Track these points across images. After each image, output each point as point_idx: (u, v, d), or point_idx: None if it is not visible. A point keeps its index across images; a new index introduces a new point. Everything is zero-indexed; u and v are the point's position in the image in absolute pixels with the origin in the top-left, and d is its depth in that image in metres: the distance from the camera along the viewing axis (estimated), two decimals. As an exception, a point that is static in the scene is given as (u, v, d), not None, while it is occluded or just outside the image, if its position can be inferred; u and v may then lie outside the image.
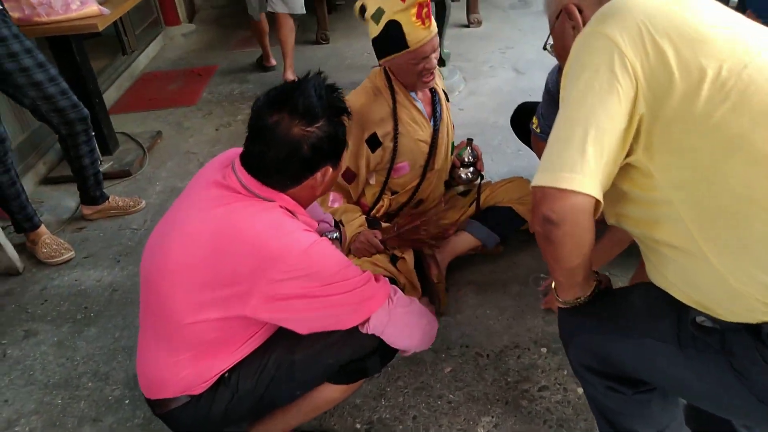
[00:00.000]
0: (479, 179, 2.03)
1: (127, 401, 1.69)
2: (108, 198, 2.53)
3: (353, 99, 1.79)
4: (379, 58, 1.76)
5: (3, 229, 2.21)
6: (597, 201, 0.88)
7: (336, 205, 1.88)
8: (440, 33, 3.32)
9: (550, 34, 1.23)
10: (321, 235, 1.20)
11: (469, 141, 1.99)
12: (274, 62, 3.98)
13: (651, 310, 1.01)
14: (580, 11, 1.10)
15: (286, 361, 1.24)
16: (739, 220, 0.84)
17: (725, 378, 0.89)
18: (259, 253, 1.09)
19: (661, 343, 0.97)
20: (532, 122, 1.99)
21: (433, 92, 1.91)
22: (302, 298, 1.12)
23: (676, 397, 1.16)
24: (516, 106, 2.30)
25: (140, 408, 1.65)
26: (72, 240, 2.40)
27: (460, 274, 2.04)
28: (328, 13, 4.42)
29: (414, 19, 1.63)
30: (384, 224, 1.91)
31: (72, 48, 2.61)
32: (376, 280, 1.25)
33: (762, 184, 0.82)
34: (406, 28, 1.64)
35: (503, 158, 2.73)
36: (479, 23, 4.42)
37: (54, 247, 2.29)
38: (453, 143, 2.03)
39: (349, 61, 4.06)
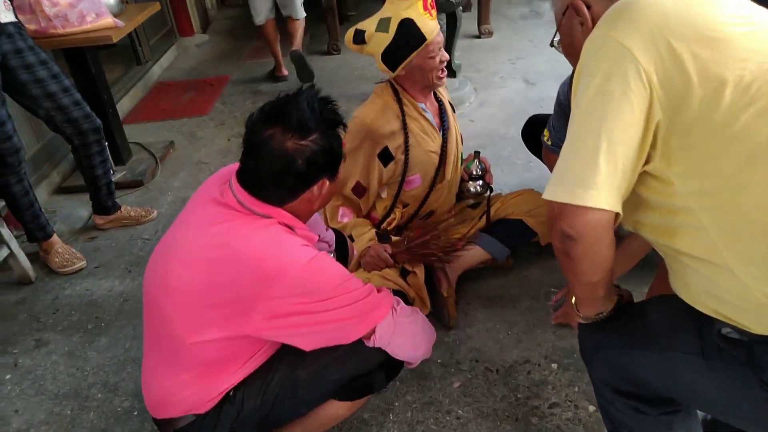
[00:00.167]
0: (488, 192, 2.02)
1: (135, 413, 1.69)
2: (120, 208, 2.55)
3: (363, 114, 1.79)
4: (395, 66, 1.75)
5: (16, 238, 2.23)
6: (616, 213, 0.85)
7: (345, 220, 1.88)
8: (451, 44, 3.36)
9: (557, 30, 1.18)
10: None
11: (477, 154, 1.98)
12: (286, 72, 4.01)
13: (672, 322, 0.99)
14: (588, 7, 1.06)
15: (290, 378, 1.23)
16: (766, 232, 0.80)
17: (752, 391, 0.86)
18: (257, 273, 1.08)
19: (685, 355, 0.94)
20: (543, 134, 1.97)
21: (440, 102, 1.92)
22: (304, 314, 1.12)
23: (698, 419, 1.14)
24: (526, 117, 2.29)
25: (148, 420, 1.65)
26: (84, 249, 2.42)
27: (470, 287, 2.02)
28: (340, 24, 4.45)
29: (422, 11, 1.68)
30: (394, 238, 1.91)
31: (87, 59, 2.64)
32: (378, 291, 1.24)
33: None
34: (419, 22, 1.68)
35: (513, 170, 2.71)
36: (490, 34, 4.42)
37: (66, 256, 2.31)
38: (462, 154, 2.03)
39: (359, 72, 4.07)
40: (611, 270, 0.96)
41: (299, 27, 3.84)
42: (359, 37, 1.76)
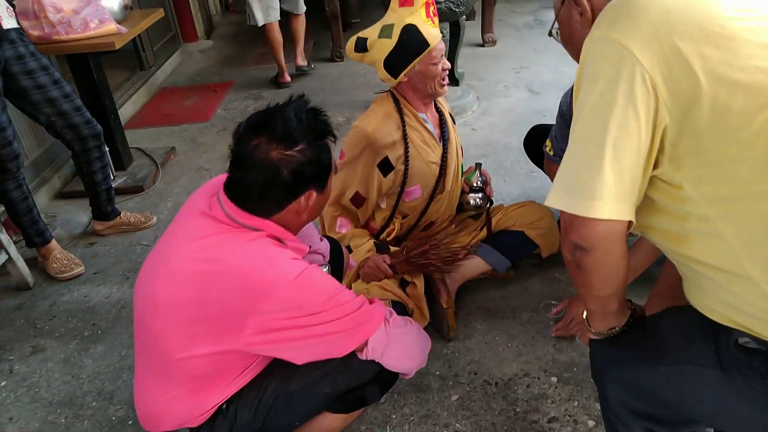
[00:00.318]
0: (488, 205, 2.00)
1: (130, 422, 1.67)
2: (119, 214, 2.54)
3: (364, 124, 1.78)
4: (398, 73, 1.74)
5: (15, 243, 2.22)
6: (629, 221, 0.83)
7: (344, 231, 1.87)
8: (454, 52, 3.35)
9: (556, 19, 1.14)
10: None
11: (478, 166, 1.97)
12: (289, 79, 4.01)
13: (684, 332, 0.95)
14: None
15: (283, 391, 1.22)
16: None
17: None
18: (247, 289, 1.07)
19: (701, 368, 0.90)
20: (546, 145, 1.97)
21: (440, 113, 1.91)
22: (296, 329, 1.10)
23: None
24: (529, 126, 2.28)
25: (143, 429, 1.63)
26: (82, 255, 2.41)
27: (469, 298, 2.00)
28: (343, 31, 4.45)
29: (425, 18, 1.69)
30: (393, 248, 1.89)
31: (90, 65, 2.65)
32: (370, 302, 1.22)
33: None
34: (422, 29, 1.68)
35: (515, 179, 2.70)
36: (494, 42, 4.42)
37: (64, 262, 2.30)
38: (462, 166, 2.01)
39: (362, 79, 4.07)
40: (624, 283, 0.93)
41: (301, 26, 3.88)
42: (360, 46, 1.75)
